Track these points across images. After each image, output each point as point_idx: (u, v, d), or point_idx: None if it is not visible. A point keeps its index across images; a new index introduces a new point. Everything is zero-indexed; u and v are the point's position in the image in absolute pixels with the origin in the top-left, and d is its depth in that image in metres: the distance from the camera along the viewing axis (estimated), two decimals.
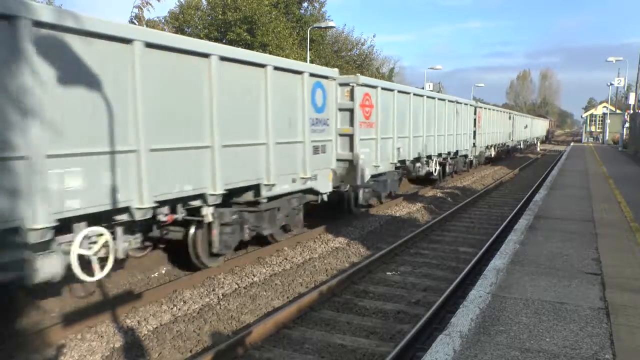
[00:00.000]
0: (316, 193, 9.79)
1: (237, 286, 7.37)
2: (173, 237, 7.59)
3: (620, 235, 8.05)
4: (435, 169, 17.07)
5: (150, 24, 22.55)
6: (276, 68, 8.16)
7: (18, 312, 5.95)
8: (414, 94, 14.56)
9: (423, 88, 35.54)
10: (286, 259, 8.75)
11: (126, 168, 5.83)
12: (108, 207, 5.65)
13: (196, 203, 7.08)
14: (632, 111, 37.31)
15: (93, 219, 5.68)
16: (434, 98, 16.43)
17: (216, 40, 27.32)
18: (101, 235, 5.74)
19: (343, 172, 11.18)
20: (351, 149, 11.20)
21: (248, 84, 7.67)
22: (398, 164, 13.68)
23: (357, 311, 6.62)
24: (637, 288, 5.52)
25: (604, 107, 59.91)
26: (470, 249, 9.80)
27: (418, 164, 15.60)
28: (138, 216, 6.00)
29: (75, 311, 6.28)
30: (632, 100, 38.36)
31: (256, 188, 8.09)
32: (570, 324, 4.52)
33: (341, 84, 11.04)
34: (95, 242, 5.71)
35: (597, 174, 18.10)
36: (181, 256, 7.90)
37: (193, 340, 5.71)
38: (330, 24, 27.90)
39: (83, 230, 5.57)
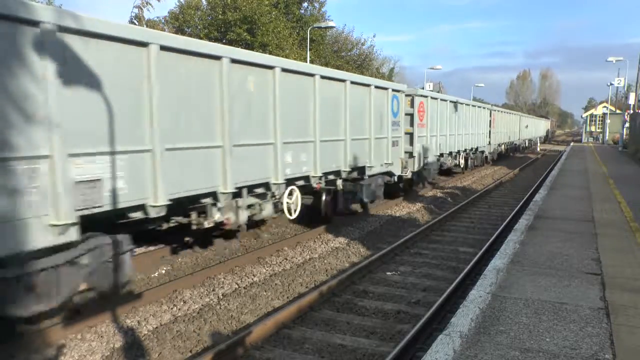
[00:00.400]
0: (391, 175, 13.27)
1: (237, 286, 7.37)
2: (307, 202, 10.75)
3: (620, 235, 8.05)
4: (461, 162, 21.11)
5: (150, 24, 22.57)
6: (376, 87, 12.05)
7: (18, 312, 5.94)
8: (450, 101, 18.82)
9: (423, 88, 35.54)
10: (286, 259, 8.75)
11: (308, 152, 9.51)
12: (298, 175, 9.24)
13: (332, 177, 10.74)
14: (632, 111, 37.31)
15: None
16: (461, 103, 20.51)
17: (216, 40, 27.33)
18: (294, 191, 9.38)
19: (406, 161, 14.48)
20: (411, 143, 15.19)
21: (361, 99, 11.41)
22: (438, 156, 17.59)
23: (357, 311, 6.62)
24: (637, 288, 5.52)
25: (604, 107, 59.93)
26: (470, 249, 9.80)
27: (449, 158, 19.23)
28: (313, 182, 9.75)
29: (75, 311, 6.28)
30: (632, 100, 38.36)
31: (362, 169, 11.59)
32: (570, 324, 4.52)
33: (406, 95, 14.53)
34: (291, 195, 9.31)
35: (597, 174, 18.10)
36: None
37: (193, 340, 5.71)
38: (330, 24, 27.91)
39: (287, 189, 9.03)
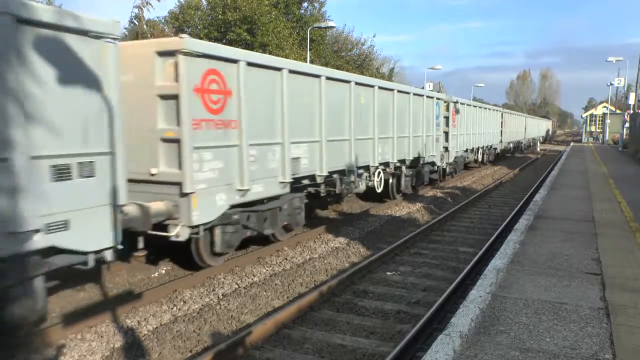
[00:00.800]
0: (434, 165, 17.19)
1: (237, 286, 7.37)
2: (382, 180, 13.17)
3: (620, 235, 8.04)
4: (480, 157, 24.96)
5: (150, 24, 22.56)
6: (427, 97, 16.08)
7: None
8: (472, 105, 23.04)
9: (423, 88, 35.57)
10: (286, 259, 8.75)
11: (388, 145, 13.23)
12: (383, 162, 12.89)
13: (398, 164, 13.99)
14: (632, 111, 37.29)
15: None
16: (480, 107, 24.82)
17: (216, 40, 27.32)
18: (380, 172, 12.74)
19: (443, 154, 18.16)
20: (447, 140, 18.69)
21: (418, 106, 15.05)
22: (464, 152, 21.50)
23: (357, 311, 6.62)
24: (637, 288, 5.52)
25: (604, 107, 59.90)
26: (470, 249, 9.80)
27: (471, 153, 23.07)
28: (392, 167, 13.49)
29: (75, 311, 6.28)
30: (632, 100, 38.34)
31: (418, 159, 15.36)
32: (570, 324, 4.52)
33: (445, 101, 18.44)
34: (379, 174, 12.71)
35: (597, 174, 18.10)
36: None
37: (193, 340, 5.71)
38: (330, 24, 27.89)
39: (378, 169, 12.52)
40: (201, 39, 25.27)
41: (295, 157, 9.04)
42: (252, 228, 8.23)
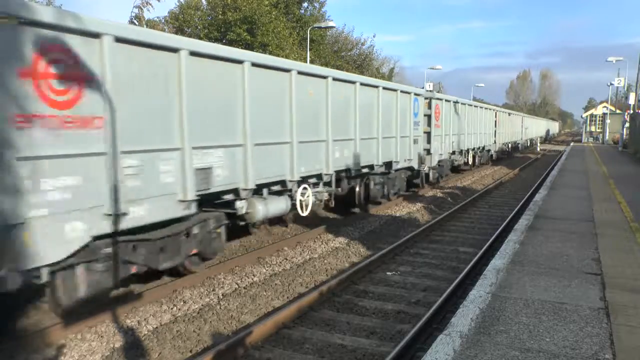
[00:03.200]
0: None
1: (237, 286, 7.37)
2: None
3: (620, 235, 8.04)
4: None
5: (150, 24, 22.56)
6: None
7: (18, 312, 5.95)
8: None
9: (423, 88, 35.55)
10: (286, 259, 8.75)
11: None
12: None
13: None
14: (632, 111, 37.27)
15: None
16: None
17: (216, 40, 27.32)
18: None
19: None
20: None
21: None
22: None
23: (357, 311, 6.62)
24: (637, 288, 5.52)
25: (604, 107, 59.85)
26: (470, 249, 9.80)
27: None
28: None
29: (75, 311, 6.27)
30: (632, 100, 38.29)
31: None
32: (570, 324, 4.52)
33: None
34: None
35: (597, 174, 18.09)
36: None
37: (193, 340, 5.71)
38: (330, 24, 27.88)
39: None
40: (201, 39, 25.30)
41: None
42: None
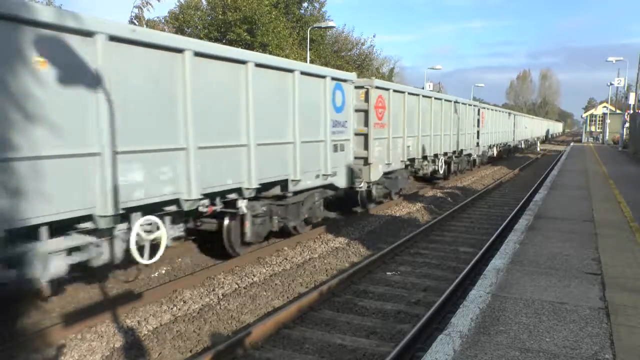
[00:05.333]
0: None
1: (237, 286, 7.37)
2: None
3: (620, 235, 8.04)
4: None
5: (150, 24, 22.55)
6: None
7: (18, 312, 5.95)
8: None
9: (423, 88, 35.54)
10: (286, 259, 8.75)
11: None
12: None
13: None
14: (632, 111, 37.27)
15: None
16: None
17: (216, 40, 27.32)
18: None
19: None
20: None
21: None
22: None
23: (357, 311, 6.62)
24: (637, 288, 5.52)
25: (604, 107, 59.89)
26: (470, 249, 9.80)
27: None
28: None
29: (75, 311, 6.28)
30: (632, 100, 38.30)
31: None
32: (570, 324, 4.52)
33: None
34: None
35: (597, 174, 18.10)
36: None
37: (193, 340, 5.71)
38: (330, 24, 27.90)
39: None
40: (201, 39, 25.27)
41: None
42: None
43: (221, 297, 6.95)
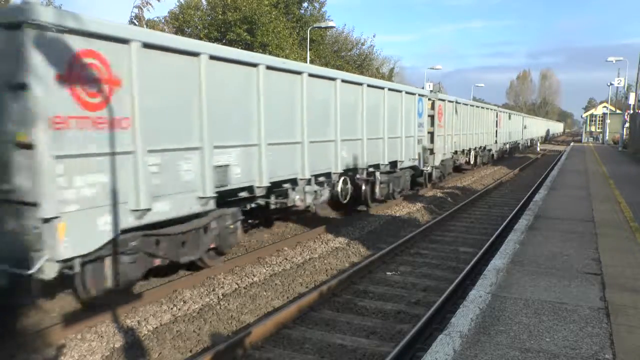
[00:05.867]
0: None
1: (237, 286, 7.37)
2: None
3: (620, 235, 8.04)
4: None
5: (150, 24, 22.55)
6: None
7: (18, 312, 5.95)
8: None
9: (423, 88, 35.56)
10: (286, 259, 8.75)
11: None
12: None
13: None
14: (632, 111, 37.28)
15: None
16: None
17: (216, 40, 27.32)
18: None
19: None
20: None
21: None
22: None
23: (357, 311, 6.62)
24: (637, 288, 5.52)
25: (604, 107, 59.87)
26: (470, 249, 9.80)
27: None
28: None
29: (75, 311, 6.28)
30: (632, 100, 38.32)
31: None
32: (570, 324, 4.52)
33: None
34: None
35: (597, 174, 18.09)
36: None
37: (193, 340, 5.71)
38: (330, 24, 27.89)
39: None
40: (201, 39, 25.29)
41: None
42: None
43: (221, 297, 6.95)
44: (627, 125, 38.94)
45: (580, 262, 6.47)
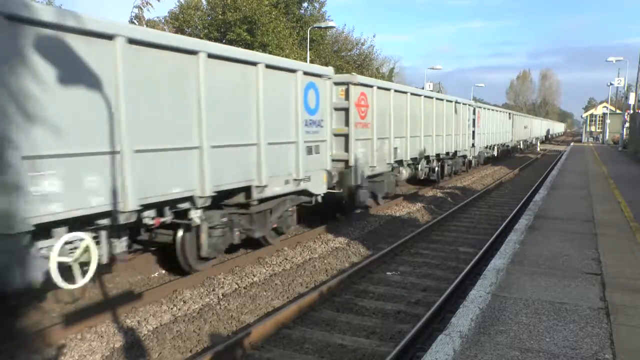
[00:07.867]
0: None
1: (237, 286, 7.36)
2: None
3: (620, 235, 8.04)
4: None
5: (150, 24, 22.53)
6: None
7: (18, 312, 5.95)
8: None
9: (423, 88, 35.54)
10: (286, 259, 8.75)
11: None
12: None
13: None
14: (632, 111, 37.27)
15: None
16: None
17: (216, 40, 27.30)
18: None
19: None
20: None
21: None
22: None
23: (357, 311, 6.61)
24: (637, 288, 5.52)
25: (604, 107, 59.90)
26: (470, 249, 9.80)
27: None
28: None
29: (75, 311, 6.28)
30: (632, 100, 38.30)
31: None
32: (570, 324, 4.52)
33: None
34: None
35: (597, 174, 18.09)
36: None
37: (193, 340, 5.71)
38: (330, 24, 27.89)
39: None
40: (201, 39, 25.24)
41: None
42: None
43: (221, 297, 6.95)
44: (627, 125, 38.93)
45: (580, 262, 6.47)
